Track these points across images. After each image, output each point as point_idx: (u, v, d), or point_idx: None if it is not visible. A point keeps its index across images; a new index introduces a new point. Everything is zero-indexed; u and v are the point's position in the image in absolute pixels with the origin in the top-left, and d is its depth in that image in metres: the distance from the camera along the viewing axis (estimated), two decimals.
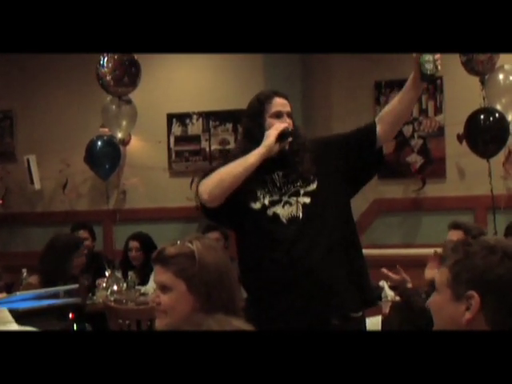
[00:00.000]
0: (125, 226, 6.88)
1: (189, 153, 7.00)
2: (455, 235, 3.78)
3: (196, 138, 6.99)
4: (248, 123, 3.23)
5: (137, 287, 5.51)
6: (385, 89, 6.50)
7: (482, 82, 5.92)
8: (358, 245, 3.21)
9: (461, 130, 6.01)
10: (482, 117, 5.87)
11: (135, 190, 7.07)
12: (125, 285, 5.46)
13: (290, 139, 3.10)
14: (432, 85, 6.30)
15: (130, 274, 5.55)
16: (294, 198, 3.10)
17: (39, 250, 5.02)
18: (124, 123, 6.60)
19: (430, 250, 3.68)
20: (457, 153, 6.24)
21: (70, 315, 3.79)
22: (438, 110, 6.42)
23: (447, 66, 5.64)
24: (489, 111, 5.87)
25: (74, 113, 7.24)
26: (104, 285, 5.42)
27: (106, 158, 6.69)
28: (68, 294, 4.52)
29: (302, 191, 3.11)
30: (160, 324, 2.24)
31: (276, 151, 3.09)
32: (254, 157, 3.08)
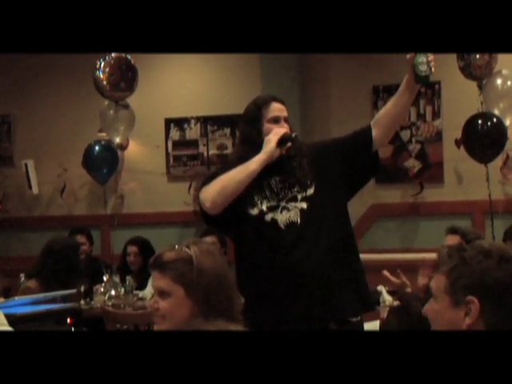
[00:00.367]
0: (123, 230, 6.87)
1: (187, 157, 7.00)
2: (453, 240, 3.78)
3: (194, 143, 6.99)
4: (245, 128, 3.23)
5: (135, 292, 5.50)
6: (382, 93, 6.50)
7: (480, 87, 5.92)
8: (355, 249, 3.21)
9: (459, 134, 6.01)
10: (479, 122, 5.87)
11: (133, 195, 7.07)
12: (123, 289, 5.45)
13: (290, 144, 3.11)
14: (430, 90, 6.31)
15: (128, 278, 5.54)
16: (292, 204, 3.10)
17: (37, 255, 5.01)
18: (122, 128, 6.59)
19: (428, 255, 3.67)
20: (455, 158, 6.25)
21: (68, 320, 3.79)
22: (436, 114, 6.42)
23: (445, 70, 5.67)
24: (486, 116, 5.88)
25: (72, 117, 7.24)
26: (102, 289, 5.42)
27: (104, 163, 6.69)
28: (64, 299, 4.52)
29: (299, 196, 3.11)
30: (158, 329, 2.24)
31: (276, 156, 3.10)
32: (255, 163, 3.07)
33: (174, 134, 7.03)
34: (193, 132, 6.99)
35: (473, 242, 1.97)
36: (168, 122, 7.03)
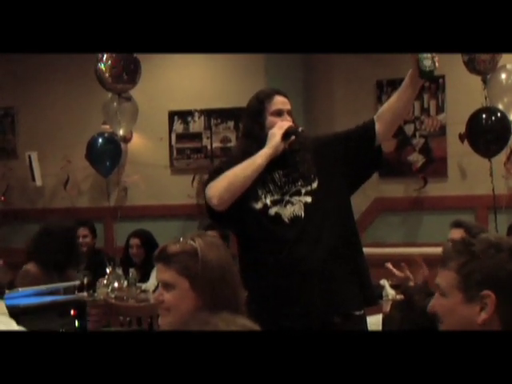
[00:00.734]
0: (126, 223, 6.88)
1: (190, 150, 7.00)
2: (457, 234, 3.78)
3: (197, 136, 6.99)
4: (248, 122, 3.23)
5: (138, 284, 5.51)
6: (386, 88, 6.50)
7: (484, 82, 5.92)
8: (358, 243, 3.22)
9: (462, 129, 6.00)
10: (483, 116, 5.86)
11: (136, 188, 7.07)
12: (126, 282, 5.46)
13: (293, 138, 3.10)
14: (434, 84, 6.31)
15: (131, 271, 5.55)
16: (296, 198, 3.10)
17: (33, 237, 5.01)
18: (125, 120, 6.60)
19: (431, 249, 3.68)
20: (458, 152, 6.24)
21: (72, 312, 3.79)
22: (440, 109, 6.41)
23: (449, 65, 5.66)
24: (491, 111, 5.87)
25: (76, 110, 7.24)
26: (105, 282, 5.43)
27: (107, 155, 6.69)
28: (67, 290, 4.52)
29: (303, 190, 3.11)
30: (163, 322, 2.25)
31: (281, 150, 3.10)
32: (261, 158, 3.07)
33: (178, 126, 7.03)
34: (196, 125, 6.99)
35: (478, 236, 1.97)
36: (172, 115, 7.03)
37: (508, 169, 6.11)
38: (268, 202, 3.09)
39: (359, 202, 5.37)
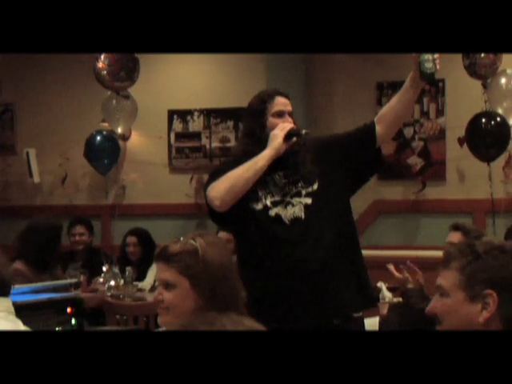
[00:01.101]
0: (123, 221, 6.87)
1: (189, 149, 7.00)
2: (455, 237, 3.79)
3: (197, 135, 6.99)
4: (249, 122, 3.22)
5: (134, 283, 5.50)
6: (387, 90, 6.50)
7: (484, 86, 5.92)
8: (357, 244, 3.22)
9: (462, 133, 6.01)
10: (483, 120, 5.87)
11: (134, 186, 7.06)
12: (122, 280, 5.45)
13: (295, 139, 3.10)
14: (434, 87, 6.31)
15: (128, 269, 5.54)
16: (297, 199, 3.09)
17: (19, 235, 5.00)
18: (124, 118, 6.59)
19: (429, 252, 3.68)
20: (457, 156, 6.24)
21: (69, 309, 3.79)
22: (440, 112, 6.41)
23: (449, 68, 5.66)
24: (490, 115, 5.87)
25: (75, 107, 7.23)
26: (101, 280, 5.42)
27: (105, 153, 6.67)
28: (63, 288, 4.52)
29: (303, 192, 3.11)
30: (163, 321, 2.24)
31: (282, 152, 3.09)
32: (263, 160, 3.06)
33: (177, 125, 7.02)
34: (196, 124, 6.98)
35: (480, 239, 1.99)
36: (171, 114, 7.02)
37: (506, 173, 6.11)
38: (268, 203, 3.09)
39: (358, 204, 5.34)
